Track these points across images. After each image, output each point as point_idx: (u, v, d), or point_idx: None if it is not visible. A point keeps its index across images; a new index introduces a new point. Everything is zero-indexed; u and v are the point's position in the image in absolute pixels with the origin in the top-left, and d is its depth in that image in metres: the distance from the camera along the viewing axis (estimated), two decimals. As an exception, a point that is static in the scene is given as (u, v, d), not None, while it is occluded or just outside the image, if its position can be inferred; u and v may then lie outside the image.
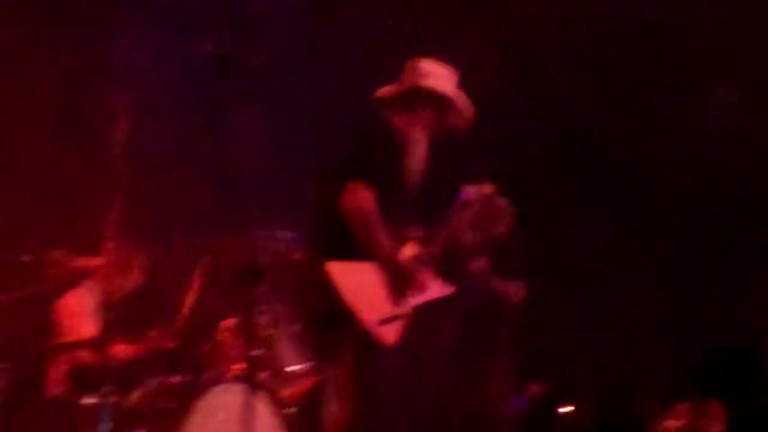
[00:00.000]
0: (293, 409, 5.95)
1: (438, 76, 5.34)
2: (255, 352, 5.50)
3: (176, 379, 5.82)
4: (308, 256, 5.08)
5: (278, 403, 5.74)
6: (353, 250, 4.94)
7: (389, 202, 4.99)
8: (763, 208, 7.88)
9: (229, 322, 6.09)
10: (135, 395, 5.74)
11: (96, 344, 5.60)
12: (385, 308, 5.00)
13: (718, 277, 7.94)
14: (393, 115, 5.29)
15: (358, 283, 4.93)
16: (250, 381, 4.65)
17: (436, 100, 5.31)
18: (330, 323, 4.93)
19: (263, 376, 5.82)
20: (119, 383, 5.57)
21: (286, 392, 6.04)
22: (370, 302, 4.94)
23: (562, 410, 7.39)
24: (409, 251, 5.15)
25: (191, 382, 5.78)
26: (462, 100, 5.37)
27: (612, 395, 7.46)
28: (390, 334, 4.95)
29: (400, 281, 5.03)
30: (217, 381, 5.74)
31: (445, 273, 5.28)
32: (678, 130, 7.93)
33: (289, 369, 6.11)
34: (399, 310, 5.02)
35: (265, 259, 5.22)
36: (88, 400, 5.50)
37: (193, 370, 5.86)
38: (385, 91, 5.40)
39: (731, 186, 8.00)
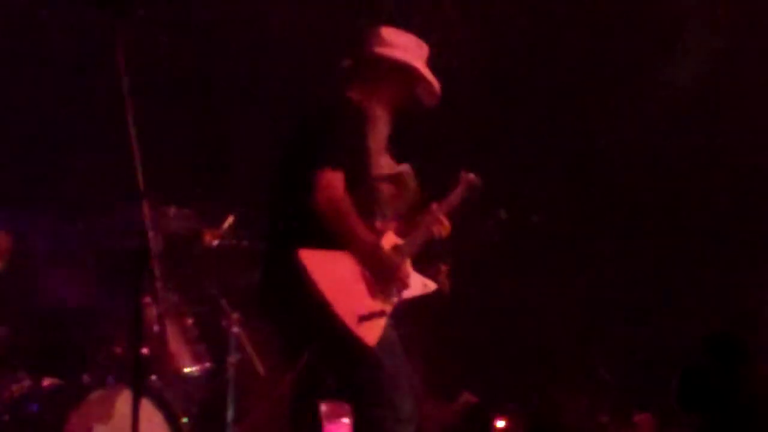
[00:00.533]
0: (186, 420, 5.51)
1: (403, 46, 4.98)
2: (143, 351, 5.04)
3: (49, 381, 5.37)
4: (271, 246, 4.83)
5: (171, 412, 5.30)
6: (323, 240, 4.62)
7: (357, 188, 4.70)
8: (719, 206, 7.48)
9: (113, 315, 5.59)
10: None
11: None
12: (364, 304, 4.69)
13: (675, 283, 7.49)
14: (352, 89, 4.92)
15: (333, 275, 4.67)
16: (137, 385, 4.08)
17: (399, 73, 4.94)
18: (301, 320, 4.63)
19: (153, 379, 5.42)
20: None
21: (180, 398, 5.60)
22: (347, 296, 4.63)
23: (497, 423, 6.97)
24: (386, 243, 4.86)
25: (66, 386, 5.33)
26: (429, 75, 5.00)
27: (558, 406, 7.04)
28: (370, 332, 4.67)
29: (382, 274, 4.75)
30: (98, 385, 5.28)
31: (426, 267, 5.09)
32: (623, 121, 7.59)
33: (183, 371, 5.66)
34: (380, 307, 4.73)
35: (156, 241, 4.65)
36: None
37: (68, 372, 5.41)
38: (344, 62, 5.04)
39: (692, 179, 7.58)
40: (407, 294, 4.84)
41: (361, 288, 4.65)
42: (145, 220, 3.71)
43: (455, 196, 5.14)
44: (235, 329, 5.90)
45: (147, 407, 5.00)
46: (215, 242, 5.94)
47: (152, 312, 5.43)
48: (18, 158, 6.38)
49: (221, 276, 6.12)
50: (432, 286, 5.04)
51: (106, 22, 3.67)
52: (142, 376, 5.03)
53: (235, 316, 5.92)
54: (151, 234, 3.74)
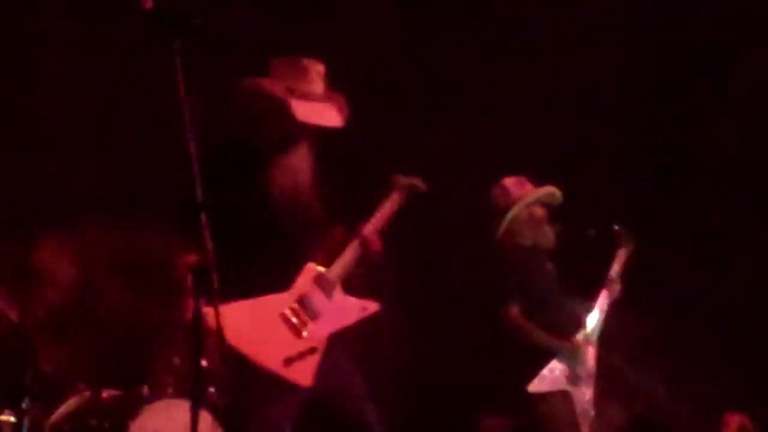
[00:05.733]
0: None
1: (280, 75, 4.97)
2: (202, 364, 4.73)
3: (109, 393, 5.32)
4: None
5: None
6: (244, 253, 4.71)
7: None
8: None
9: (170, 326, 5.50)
10: (60, 411, 5.21)
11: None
12: (289, 346, 4.74)
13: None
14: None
15: (247, 327, 4.65)
16: (195, 397, 4.04)
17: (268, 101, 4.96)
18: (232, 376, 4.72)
19: (211, 391, 5.27)
20: (42, 397, 5.12)
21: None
22: (266, 345, 4.69)
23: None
24: (306, 276, 4.88)
25: (126, 397, 5.28)
26: (334, 99, 5.02)
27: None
28: (302, 373, 4.75)
29: (299, 309, 4.76)
30: (157, 396, 5.25)
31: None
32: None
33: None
34: (307, 345, 4.75)
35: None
36: (5, 417, 5.03)
37: (128, 384, 5.36)
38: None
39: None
40: (344, 322, 4.84)
41: (281, 331, 4.69)
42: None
43: (386, 209, 4.99)
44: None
45: (206, 419, 4.86)
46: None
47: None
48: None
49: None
50: (372, 307, 4.93)
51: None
52: (202, 388, 4.91)
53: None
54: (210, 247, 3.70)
